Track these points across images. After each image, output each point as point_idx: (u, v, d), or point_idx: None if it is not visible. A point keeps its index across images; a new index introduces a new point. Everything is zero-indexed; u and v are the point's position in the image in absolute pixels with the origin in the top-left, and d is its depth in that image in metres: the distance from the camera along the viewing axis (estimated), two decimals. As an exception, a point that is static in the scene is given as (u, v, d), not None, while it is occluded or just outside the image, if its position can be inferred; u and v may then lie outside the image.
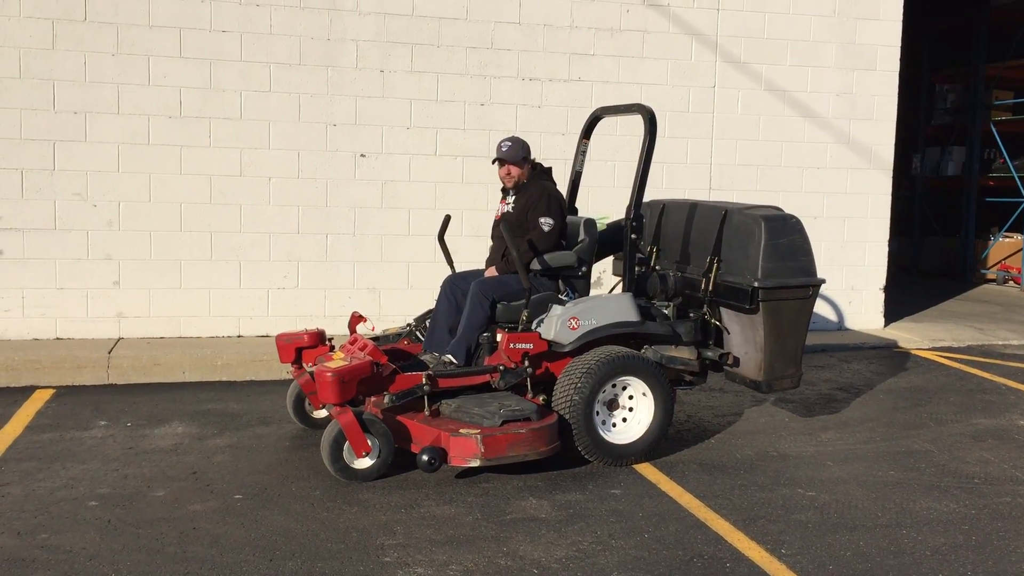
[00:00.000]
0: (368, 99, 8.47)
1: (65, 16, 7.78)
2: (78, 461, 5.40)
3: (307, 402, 6.04)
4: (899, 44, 9.77)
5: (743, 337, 5.86)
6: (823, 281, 5.93)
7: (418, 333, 6.26)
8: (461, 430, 5.06)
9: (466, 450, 5.00)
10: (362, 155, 8.53)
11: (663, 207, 6.58)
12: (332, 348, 5.94)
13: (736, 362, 5.93)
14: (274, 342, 6.17)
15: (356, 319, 6.09)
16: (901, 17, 9.73)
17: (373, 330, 6.49)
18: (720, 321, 5.96)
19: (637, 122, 6.19)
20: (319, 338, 6.00)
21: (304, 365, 5.95)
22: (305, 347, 5.97)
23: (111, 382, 7.27)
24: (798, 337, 5.87)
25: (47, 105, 7.81)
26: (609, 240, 6.44)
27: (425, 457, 4.97)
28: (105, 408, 6.54)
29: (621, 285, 6.05)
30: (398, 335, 6.31)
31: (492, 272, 6.01)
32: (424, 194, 8.69)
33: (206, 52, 8.08)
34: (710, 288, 5.86)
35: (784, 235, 5.74)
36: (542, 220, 5.90)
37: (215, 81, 8.12)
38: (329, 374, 5.05)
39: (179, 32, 8.00)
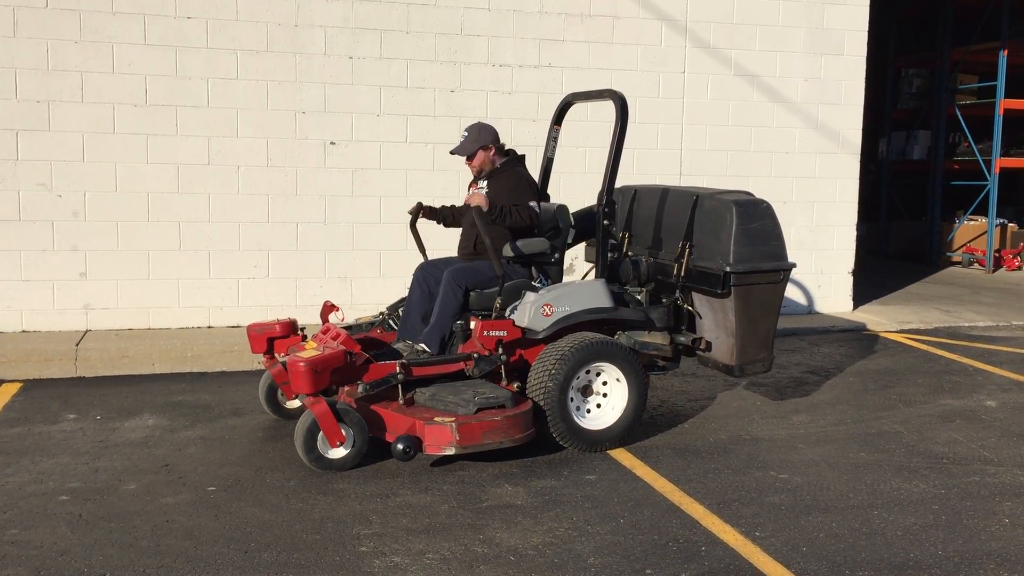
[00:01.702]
0: (337, 86, 8.40)
1: (26, 3, 7.63)
2: (47, 455, 5.33)
3: (280, 392, 6.00)
4: (866, 29, 9.84)
5: (715, 322, 5.89)
6: (793, 265, 5.98)
7: (391, 322, 6.23)
8: (436, 418, 5.06)
9: (441, 438, 4.99)
10: (332, 143, 8.46)
11: (635, 193, 6.59)
12: (304, 338, 5.90)
13: (708, 347, 5.96)
14: (245, 332, 6.12)
15: (328, 308, 6.05)
16: (868, 2, 9.79)
17: (343, 320, 6.46)
18: (692, 306, 5.99)
19: (608, 108, 6.18)
20: (291, 328, 5.97)
21: (276, 355, 5.91)
22: (277, 337, 5.93)
23: (79, 375, 7.17)
24: (769, 321, 5.92)
25: (8, 94, 7.66)
26: (583, 226, 6.44)
27: (400, 446, 4.95)
28: (74, 401, 6.46)
29: (594, 271, 6.05)
30: (371, 324, 6.28)
31: (476, 199, 5.68)
32: (395, 182, 8.64)
33: (171, 39, 7.96)
34: (682, 273, 5.88)
35: (755, 220, 5.77)
36: (531, 204, 5.88)
37: (181, 69, 8.00)
38: (302, 364, 5.01)
39: (143, 19, 7.88)
